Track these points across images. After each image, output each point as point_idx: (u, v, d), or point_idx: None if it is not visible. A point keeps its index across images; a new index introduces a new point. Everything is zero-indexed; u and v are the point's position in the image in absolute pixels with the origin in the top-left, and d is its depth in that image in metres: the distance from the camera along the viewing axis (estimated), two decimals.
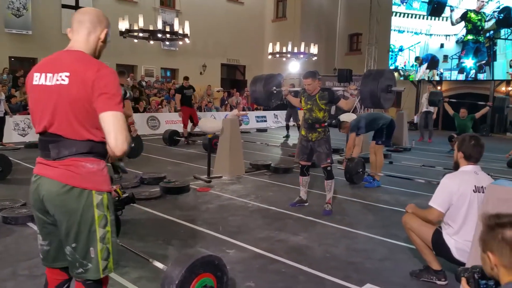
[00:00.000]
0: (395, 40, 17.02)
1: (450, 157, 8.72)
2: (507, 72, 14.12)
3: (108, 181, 1.78)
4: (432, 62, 16.00)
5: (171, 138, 9.88)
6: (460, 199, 2.73)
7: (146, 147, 9.52)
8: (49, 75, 1.69)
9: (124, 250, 3.07)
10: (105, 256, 1.74)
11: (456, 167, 2.96)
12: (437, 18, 15.78)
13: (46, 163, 1.71)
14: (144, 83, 14.90)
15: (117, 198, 3.68)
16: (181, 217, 4.33)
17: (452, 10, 15.36)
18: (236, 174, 6.50)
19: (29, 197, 1.82)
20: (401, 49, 16.92)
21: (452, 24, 15.36)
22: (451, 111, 9.17)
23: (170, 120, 12.72)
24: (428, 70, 16.12)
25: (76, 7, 14.20)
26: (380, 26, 17.16)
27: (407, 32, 16.69)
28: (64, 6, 14.13)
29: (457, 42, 15.35)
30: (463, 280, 1.59)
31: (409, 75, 16.83)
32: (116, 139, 1.61)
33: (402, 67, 16.85)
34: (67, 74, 1.65)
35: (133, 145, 5.88)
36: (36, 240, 1.77)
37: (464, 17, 15.01)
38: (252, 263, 3.24)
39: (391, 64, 17.18)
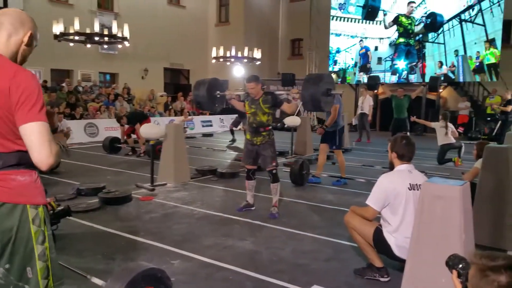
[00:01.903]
0: (333, 42, 17.68)
1: (387, 156, 9.17)
2: (435, 73, 15.19)
3: (43, 193, 1.64)
4: (364, 67, 16.82)
5: (112, 145, 9.42)
6: (396, 197, 2.84)
7: (84, 155, 9.05)
8: None
9: (63, 276, 2.84)
10: (45, 274, 1.61)
11: (391, 167, 3.09)
12: (371, 22, 16.63)
13: None
14: (81, 88, 14.17)
15: (51, 212, 3.43)
16: (122, 229, 4.13)
17: (385, 15, 16.29)
18: (181, 181, 6.35)
19: None
20: (338, 51, 17.60)
21: (385, 27, 16.28)
22: (388, 92, 9.68)
23: (110, 126, 12.16)
24: (362, 73, 16.92)
25: (5, 8, 13.22)
26: (320, 31, 17.75)
27: (344, 35, 17.42)
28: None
29: (390, 44, 16.25)
30: (455, 273, 1.49)
31: (347, 77, 17.54)
32: (39, 153, 1.48)
33: (341, 68, 17.52)
34: None
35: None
36: None
37: (396, 21, 15.96)
38: (198, 273, 3.15)
39: (331, 67, 17.82)
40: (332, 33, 17.61)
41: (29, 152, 1.50)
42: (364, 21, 16.77)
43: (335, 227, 4.22)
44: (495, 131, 12.32)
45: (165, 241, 3.80)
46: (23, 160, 1.56)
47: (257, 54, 15.54)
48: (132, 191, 5.50)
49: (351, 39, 17.21)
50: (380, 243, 2.95)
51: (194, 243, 3.77)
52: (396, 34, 16.02)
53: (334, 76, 17.20)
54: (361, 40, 16.73)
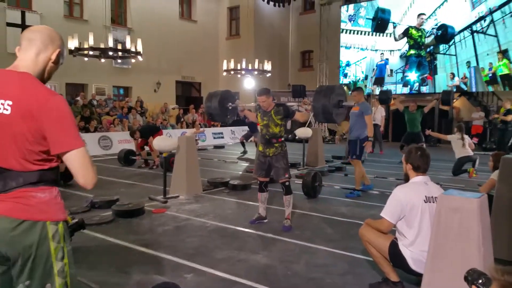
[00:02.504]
0: (343, 55, 17.70)
1: (401, 167, 9.05)
2: (447, 85, 15.04)
3: (63, 208, 1.65)
4: (378, 79, 16.76)
5: (127, 157, 9.53)
6: (412, 210, 2.79)
7: (98, 168, 9.05)
8: None
9: None
10: None
11: (406, 179, 3.05)
12: (381, 34, 16.62)
13: None
14: (95, 102, 14.40)
15: None
16: (135, 242, 4.14)
17: (394, 27, 16.25)
18: (193, 193, 6.36)
19: None
20: (348, 65, 17.61)
21: (395, 39, 16.24)
22: (401, 107, 9.60)
23: (124, 139, 12.29)
24: (375, 86, 16.86)
25: (22, 25, 13.60)
26: (330, 43, 17.81)
27: (354, 48, 17.43)
28: (9, 24, 13.49)
29: (400, 56, 16.18)
30: None
31: (357, 82, 17.49)
32: (85, 178, 1.58)
33: (350, 81, 17.49)
34: (10, 102, 1.50)
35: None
36: None
37: (406, 33, 15.90)
38: (212, 287, 3.13)
39: (341, 79, 17.81)
40: (342, 46, 17.64)
41: (75, 176, 1.58)
42: (374, 33, 16.77)
43: (349, 240, 4.16)
44: (510, 141, 12.11)
45: (178, 254, 3.79)
46: (44, 178, 1.57)
47: (268, 66, 15.63)
48: (145, 204, 5.53)
49: (361, 52, 17.20)
50: (396, 256, 2.89)
51: (207, 257, 3.76)
52: (407, 46, 15.97)
53: (345, 89, 17.17)
54: (382, 53, 16.61)
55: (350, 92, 16.96)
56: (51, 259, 1.58)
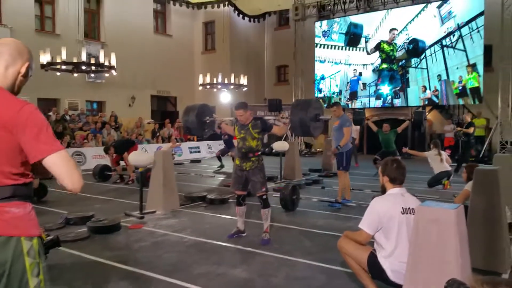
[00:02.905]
0: (317, 69, 18.07)
1: (376, 179, 9.22)
2: (419, 98, 15.54)
3: (37, 224, 1.61)
4: (352, 93, 17.17)
5: (102, 173, 9.33)
6: (389, 221, 2.83)
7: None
8: None
9: None
10: None
11: (383, 190, 3.10)
12: (354, 49, 17.10)
13: None
14: (68, 117, 14.08)
15: None
16: (111, 258, 4.03)
17: (367, 41, 16.75)
18: (170, 208, 6.27)
19: None
20: (322, 78, 17.97)
21: (368, 53, 16.74)
22: (374, 128, 9.79)
23: (98, 154, 12.04)
24: (350, 100, 17.24)
25: None
26: (305, 58, 18.15)
27: (328, 62, 17.84)
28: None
29: (373, 70, 16.65)
30: None
31: (332, 97, 17.85)
32: (72, 182, 1.54)
33: (325, 95, 17.84)
34: None
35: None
36: None
37: (378, 47, 16.41)
38: None
39: (316, 93, 18.13)
40: (316, 60, 18.03)
41: (60, 181, 1.53)
42: (348, 47, 17.24)
43: (328, 252, 4.19)
44: (482, 153, 12.52)
45: (156, 270, 3.72)
46: (17, 192, 1.55)
47: (244, 80, 15.76)
48: (121, 220, 5.42)
49: (335, 66, 17.63)
50: (374, 268, 2.92)
51: (185, 272, 3.70)
52: (379, 60, 16.47)
53: (319, 100, 17.46)
54: (354, 69, 17.05)
55: (325, 106, 17.32)
56: (27, 275, 1.54)
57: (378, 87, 16.52)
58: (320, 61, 18.00)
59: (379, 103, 16.59)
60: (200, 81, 15.42)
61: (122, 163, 9.37)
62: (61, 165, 1.52)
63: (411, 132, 15.48)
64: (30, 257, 1.55)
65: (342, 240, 3.12)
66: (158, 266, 3.84)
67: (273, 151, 10.25)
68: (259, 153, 4.68)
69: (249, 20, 18.81)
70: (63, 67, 11.12)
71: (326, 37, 17.85)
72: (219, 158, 11.92)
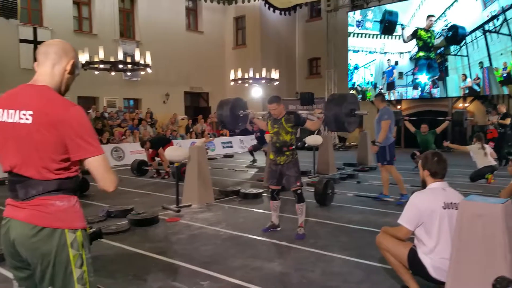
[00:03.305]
0: (350, 59, 17.68)
1: (415, 174, 8.98)
2: (459, 87, 14.90)
3: (82, 217, 1.69)
4: (389, 84, 16.67)
5: (140, 168, 9.63)
6: (430, 216, 2.75)
7: None
8: (11, 111, 1.60)
9: None
10: None
11: (423, 185, 3.01)
12: (390, 37, 16.59)
13: (15, 204, 1.63)
14: (106, 114, 14.57)
15: None
16: (151, 250, 4.16)
17: (403, 28, 16.18)
18: (205, 202, 6.38)
19: (1, 242, 1.70)
20: (356, 67, 17.57)
21: (404, 41, 16.18)
22: (412, 129, 9.51)
23: (135, 150, 12.41)
24: (389, 91, 16.74)
25: (35, 41, 13.87)
26: (337, 49, 17.84)
27: (362, 51, 17.41)
28: (22, 40, 13.78)
29: (410, 59, 16.08)
30: None
31: (366, 90, 17.41)
32: (104, 183, 1.65)
33: (359, 85, 17.46)
34: (31, 112, 1.57)
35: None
36: (1, 283, 1.63)
37: (415, 35, 15.80)
38: None
39: (350, 83, 17.75)
40: (350, 49, 17.65)
41: (97, 181, 1.65)
42: (383, 36, 16.76)
43: (365, 248, 4.13)
44: None
45: (194, 262, 3.80)
46: (63, 186, 1.62)
47: (275, 74, 15.70)
48: (159, 213, 5.58)
49: (369, 55, 17.17)
50: (415, 264, 2.85)
51: (222, 264, 3.76)
52: (416, 49, 15.87)
53: (353, 92, 17.14)
54: (388, 59, 16.58)
55: (359, 96, 16.97)
56: (71, 266, 1.62)
57: (415, 76, 15.97)
58: (354, 51, 17.61)
59: (416, 93, 16.04)
60: (232, 76, 15.51)
61: (158, 158, 9.59)
62: (99, 167, 1.63)
63: (451, 125, 14.87)
64: (73, 249, 1.62)
65: (380, 236, 3.06)
66: (195, 258, 3.92)
67: (306, 145, 10.16)
68: (293, 147, 4.65)
69: (280, 13, 18.63)
70: (101, 66, 11.49)
71: (359, 27, 17.45)
72: (251, 153, 11.99)
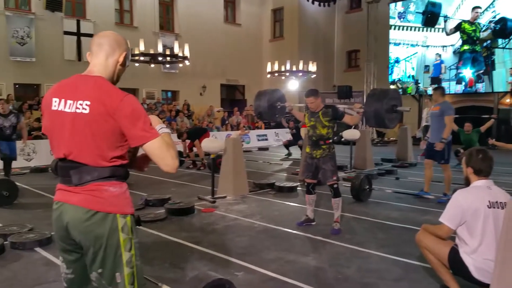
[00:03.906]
0: (391, 52, 17.17)
1: (457, 171, 8.63)
2: (507, 82, 14.12)
3: (131, 203, 1.76)
4: (434, 78, 16.00)
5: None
6: (474, 215, 2.64)
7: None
8: (69, 101, 1.66)
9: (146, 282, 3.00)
10: (131, 280, 1.70)
11: (467, 183, 2.89)
12: (432, 30, 15.94)
13: (67, 189, 1.68)
14: (145, 106, 14.96)
15: None
16: (187, 239, 4.25)
17: (445, 21, 15.49)
18: (240, 194, 6.42)
19: (52, 225, 1.78)
20: (397, 61, 17.03)
21: (447, 34, 15.49)
22: (455, 127, 9.11)
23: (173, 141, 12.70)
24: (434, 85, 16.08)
25: (78, 33, 14.41)
26: (378, 42, 17.35)
27: (403, 44, 16.84)
28: (66, 33, 14.33)
29: (454, 52, 15.40)
30: None
31: (407, 87, 16.86)
32: (167, 165, 1.66)
33: (399, 78, 16.92)
34: (88, 102, 1.62)
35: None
36: (45, 266, 1.70)
37: (458, 27, 15.10)
38: (262, 286, 3.15)
39: (391, 76, 17.26)
40: (390, 42, 17.14)
41: (157, 164, 1.67)
42: (425, 29, 16.12)
43: (403, 246, 4.02)
44: None
45: (228, 253, 3.84)
46: (116, 173, 1.69)
47: (312, 67, 15.49)
48: (194, 203, 5.68)
49: (411, 48, 16.59)
50: (456, 264, 2.75)
51: (256, 256, 3.78)
52: (460, 42, 15.17)
53: (393, 86, 16.64)
54: (437, 53, 15.93)
55: (400, 90, 16.42)
56: (121, 250, 1.68)
57: (459, 71, 15.27)
58: (395, 44, 17.08)
59: (460, 88, 15.35)
60: (268, 69, 15.46)
61: (195, 150, 9.75)
62: (156, 151, 1.65)
63: (497, 124, 14.14)
64: (124, 233, 1.68)
65: (420, 234, 2.97)
66: (230, 249, 3.97)
67: (343, 139, 9.98)
68: (330, 141, 4.58)
69: (319, 5, 18.30)
70: (141, 58, 11.77)
71: (401, 19, 16.87)
72: (286, 147, 11.95)
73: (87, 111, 1.62)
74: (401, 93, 16.23)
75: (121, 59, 1.77)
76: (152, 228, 4.61)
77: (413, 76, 16.70)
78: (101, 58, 1.74)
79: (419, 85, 16.44)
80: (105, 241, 1.65)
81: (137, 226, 3.87)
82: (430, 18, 15.81)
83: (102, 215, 1.65)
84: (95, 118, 1.61)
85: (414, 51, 16.54)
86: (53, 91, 1.73)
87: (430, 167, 6.13)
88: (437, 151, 5.82)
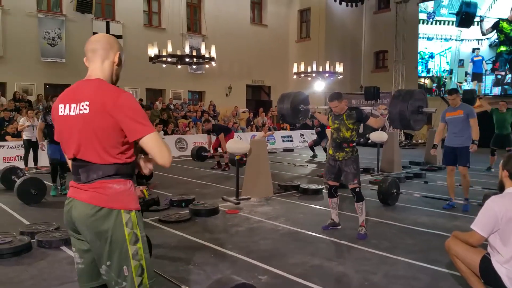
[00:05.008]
0: (425, 47, 16.69)
1: (488, 175, 8.32)
2: None
3: (136, 199, 1.83)
4: (476, 74, 15.36)
5: (199, 154, 9.93)
6: (508, 223, 2.52)
7: (175, 168, 9.61)
8: (73, 105, 1.77)
9: (155, 275, 3.02)
10: (139, 272, 1.78)
11: (501, 187, 2.77)
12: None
13: (77, 186, 1.79)
14: (172, 106, 15.18)
15: (142, 199, 3.64)
16: (211, 241, 4.26)
17: (481, 20, 14.91)
18: (264, 196, 6.40)
19: (63, 218, 1.87)
20: (431, 56, 16.52)
21: (483, 34, 14.88)
22: (488, 107, 8.80)
23: (198, 141, 12.83)
24: (476, 82, 15.48)
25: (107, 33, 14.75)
26: (407, 42, 16.95)
27: (436, 38, 16.35)
28: (95, 34, 14.66)
29: (490, 46, 14.77)
30: None
31: (442, 77, 16.24)
32: (162, 158, 1.76)
33: (436, 73, 16.40)
34: (87, 103, 1.73)
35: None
36: (69, 265, 1.76)
37: (496, 26, 14.45)
38: None
39: (422, 71, 16.76)
40: (423, 37, 16.65)
41: (153, 158, 1.78)
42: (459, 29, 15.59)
43: (432, 253, 3.89)
44: None
45: (252, 256, 3.83)
46: (120, 171, 1.77)
47: (339, 68, 15.29)
48: (219, 204, 5.70)
49: (444, 42, 16.03)
50: (488, 273, 2.64)
51: (280, 260, 3.74)
52: (496, 35, 14.50)
53: (428, 81, 16.16)
54: (478, 48, 15.30)
55: (434, 85, 15.91)
56: (126, 244, 1.76)
57: (496, 73, 14.62)
58: (428, 38, 16.56)
59: (497, 90, 14.70)
60: (294, 70, 15.36)
61: (220, 150, 9.82)
62: (152, 144, 1.74)
63: None
64: (128, 228, 1.76)
65: (450, 241, 2.86)
66: (254, 252, 3.95)
67: (370, 141, 9.80)
68: (354, 144, 4.49)
69: (346, 5, 18.05)
70: (169, 59, 11.93)
71: (431, 19, 16.41)
72: (311, 148, 11.84)
73: (87, 111, 1.72)
74: (435, 86, 15.72)
75: (116, 59, 1.87)
76: (176, 229, 4.65)
77: (447, 70, 16.15)
78: (97, 62, 1.84)
79: (451, 77, 15.83)
80: (110, 235, 1.73)
81: (156, 206, 3.86)
82: (465, 19, 15.22)
83: (106, 211, 1.73)
84: (95, 116, 1.71)
85: (448, 45, 15.99)
86: (59, 98, 1.85)
87: (453, 174, 5.74)
88: (462, 154, 5.50)
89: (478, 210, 2.70)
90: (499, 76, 14.58)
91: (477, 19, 15.05)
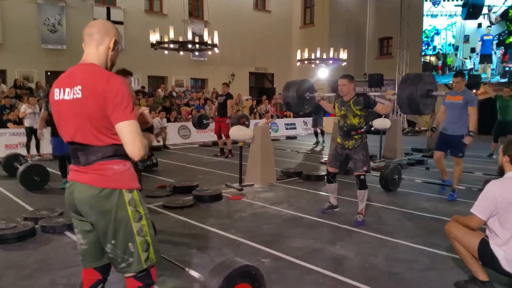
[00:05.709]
0: (429, 25, 16.56)
1: (489, 162, 8.34)
2: None
3: (136, 179, 1.88)
4: (484, 56, 15.10)
5: (200, 121, 9.60)
6: (507, 207, 2.57)
7: (178, 155, 9.67)
8: (67, 89, 1.80)
9: (159, 258, 3.09)
10: (145, 247, 1.84)
11: (501, 172, 2.80)
12: None
13: (77, 169, 1.83)
14: (174, 93, 15.18)
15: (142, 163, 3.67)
16: (214, 226, 4.33)
17: (490, 10, 14.67)
18: (267, 182, 6.46)
19: (65, 202, 1.92)
20: (437, 33, 16.38)
21: (491, 23, 14.65)
22: (492, 93, 8.75)
23: (200, 129, 12.84)
24: (484, 65, 15.15)
25: (109, 19, 14.69)
26: (411, 29, 16.79)
27: (441, 15, 16.17)
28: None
29: (499, 19, 14.55)
30: None
31: (447, 54, 16.07)
32: (133, 147, 1.74)
33: (441, 48, 16.24)
34: (80, 87, 1.75)
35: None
36: (73, 249, 1.82)
37: (505, 16, 14.22)
38: (289, 273, 3.18)
39: (426, 50, 16.63)
40: (427, 15, 16.50)
41: (124, 146, 1.75)
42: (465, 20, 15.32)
43: (431, 236, 3.95)
44: None
45: (255, 240, 3.89)
46: (118, 152, 1.80)
47: (343, 54, 15.19)
48: (222, 190, 5.76)
49: (450, 19, 15.85)
50: (486, 255, 2.69)
51: (283, 244, 3.81)
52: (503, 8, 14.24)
53: (433, 59, 15.99)
54: (489, 26, 14.91)
55: (440, 62, 15.73)
56: (130, 222, 1.81)
57: (505, 65, 14.37)
58: (432, 15, 16.43)
59: (503, 80, 14.56)
60: (298, 57, 15.28)
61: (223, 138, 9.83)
62: (126, 132, 1.73)
63: None
64: (131, 206, 1.81)
65: (450, 224, 2.91)
66: (257, 236, 4.01)
67: (373, 128, 9.79)
68: (362, 130, 4.47)
69: None
70: (171, 45, 11.86)
71: (436, 5, 16.19)
72: (315, 134, 11.87)
73: (80, 95, 1.75)
74: (440, 63, 15.51)
75: (111, 45, 1.88)
76: (180, 214, 4.73)
77: (453, 44, 15.97)
78: (92, 47, 1.86)
79: (457, 54, 15.66)
80: (113, 214, 1.78)
81: (155, 167, 3.83)
82: (472, 11, 14.89)
83: (108, 191, 1.78)
84: (87, 100, 1.73)
85: (453, 20, 15.84)
86: (55, 83, 1.87)
87: (442, 160, 5.64)
88: (455, 144, 5.33)
89: (477, 195, 2.73)
90: (506, 68, 14.38)
91: (485, 9, 14.74)
